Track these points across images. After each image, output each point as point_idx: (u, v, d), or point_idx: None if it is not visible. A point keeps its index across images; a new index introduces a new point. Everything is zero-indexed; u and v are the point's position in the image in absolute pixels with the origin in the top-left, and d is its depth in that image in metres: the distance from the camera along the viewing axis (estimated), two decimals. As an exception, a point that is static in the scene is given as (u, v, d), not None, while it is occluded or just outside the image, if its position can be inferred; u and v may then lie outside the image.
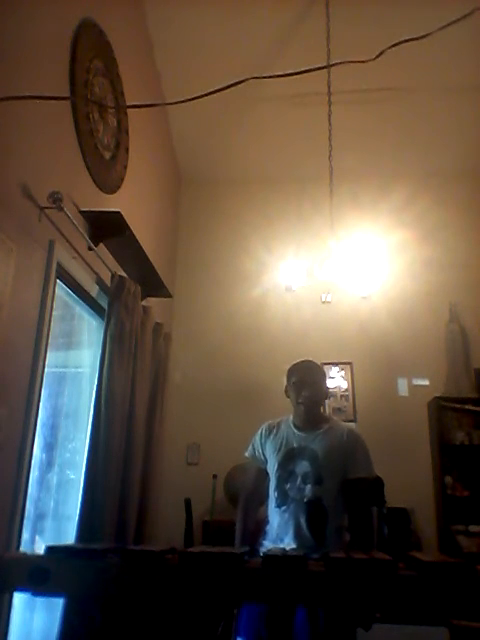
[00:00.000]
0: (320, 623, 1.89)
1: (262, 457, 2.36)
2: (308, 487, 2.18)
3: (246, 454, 2.44)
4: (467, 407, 3.99)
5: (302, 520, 2.14)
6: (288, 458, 2.26)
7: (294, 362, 2.42)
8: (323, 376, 2.42)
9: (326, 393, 2.42)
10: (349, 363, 4.33)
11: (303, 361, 2.41)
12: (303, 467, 2.22)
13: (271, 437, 2.35)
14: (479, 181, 4.67)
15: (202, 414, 4.20)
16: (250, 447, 2.42)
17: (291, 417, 2.38)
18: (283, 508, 2.20)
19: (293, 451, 2.27)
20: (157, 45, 3.60)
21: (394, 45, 1.53)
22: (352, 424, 4.25)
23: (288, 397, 2.39)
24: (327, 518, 2.14)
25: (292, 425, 2.34)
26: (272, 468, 2.30)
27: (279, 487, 2.24)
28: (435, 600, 1.01)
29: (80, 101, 2.34)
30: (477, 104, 3.93)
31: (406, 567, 1.08)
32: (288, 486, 2.21)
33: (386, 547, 3.55)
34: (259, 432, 2.41)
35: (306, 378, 2.33)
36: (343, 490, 2.20)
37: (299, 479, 2.21)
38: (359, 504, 2.22)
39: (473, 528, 3.69)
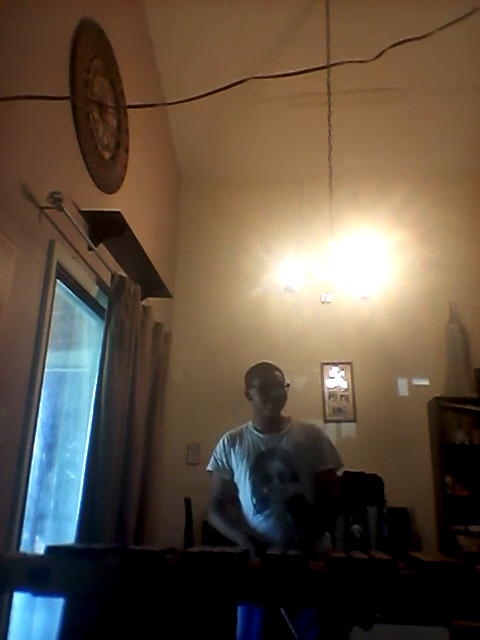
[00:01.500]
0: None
1: (227, 468, 2.32)
2: (286, 485, 2.17)
3: (208, 468, 2.39)
4: (467, 407, 3.99)
5: (289, 518, 2.12)
6: (260, 462, 2.24)
7: (252, 365, 2.43)
8: (283, 377, 2.41)
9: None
10: (349, 363, 4.33)
11: (262, 363, 2.43)
12: (277, 467, 2.21)
13: (236, 446, 2.32)
14: (479, 181, 4.67)
15: (202, 414, 4.20)
16: (211, 461, 2.38)
17: (251, 423, 2.38)
18: (266, 512, 2.16)
19: (263, 454, 2.25)
20: (157, 45, 3.60)
21: (394, 45, 1.53)
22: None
23: (250, 400, 2.38)
24: (310, 511, 2.13)
25: (254, 430, 2.34)
26: (243, 476, 2.25)
27: (257, 492, 2.20)
28: (435, 600, 1.01)
29: (80, 101, 2.34)
30: (477, 104, 3.93)
31: (406, 567, 1.07)
32: (266, 490, 2.19)
33: (386, 547, 3.55)
34: (220, 444, 2.37)
35: (271, 378, 2.35)
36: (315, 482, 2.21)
37: (275, 479, 2.19)
38: (328, 494, 2.21)
39: (473, 528, 3.69)
